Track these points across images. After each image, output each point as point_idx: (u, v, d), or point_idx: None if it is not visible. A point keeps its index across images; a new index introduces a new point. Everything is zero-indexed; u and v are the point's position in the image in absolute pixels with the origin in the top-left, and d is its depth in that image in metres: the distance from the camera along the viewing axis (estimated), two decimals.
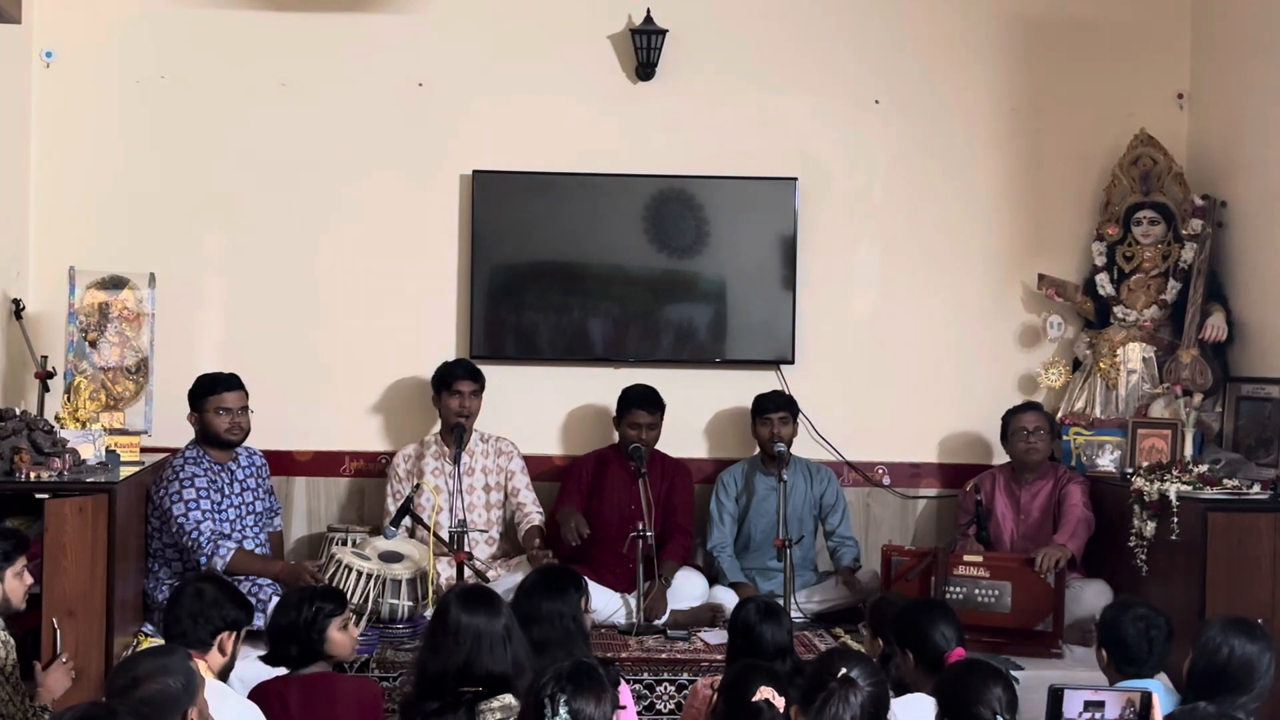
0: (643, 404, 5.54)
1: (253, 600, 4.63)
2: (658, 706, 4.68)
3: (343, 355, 5.83)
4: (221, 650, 3.60)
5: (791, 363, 5.88)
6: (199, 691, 3.00)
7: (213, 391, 5.07)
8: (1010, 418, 5.51)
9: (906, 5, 5.97)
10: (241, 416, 5.10)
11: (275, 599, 4.50)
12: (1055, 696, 3.02)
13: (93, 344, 5.22)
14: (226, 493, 5.07)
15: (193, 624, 3.57)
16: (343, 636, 3.93)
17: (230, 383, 5.10)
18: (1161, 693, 3.59)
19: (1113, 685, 3.77)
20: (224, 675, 3.65)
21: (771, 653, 3.69)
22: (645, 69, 5.84)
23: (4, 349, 5.40)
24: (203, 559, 4.84)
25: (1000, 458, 5.69)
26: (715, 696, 3.22)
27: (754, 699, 3.04)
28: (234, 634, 3.63)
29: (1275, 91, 5.38)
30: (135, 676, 2.93)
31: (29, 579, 3.87)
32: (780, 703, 3.04)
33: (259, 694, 3.71)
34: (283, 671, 3.85)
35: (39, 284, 5.63)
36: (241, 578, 4.81)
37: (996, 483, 5.54)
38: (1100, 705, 2.99)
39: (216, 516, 4.96)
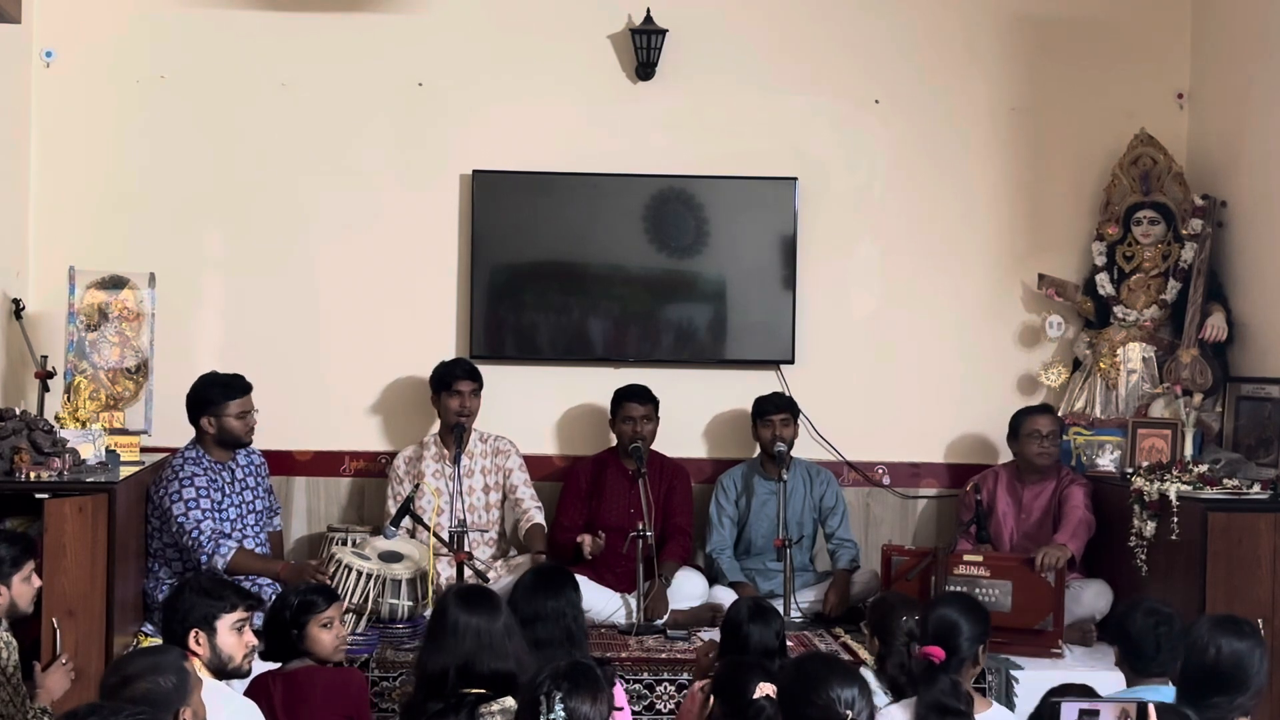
0: (634, 396, 5.55)
1: None
2: (658, 706, 4.68)
3: (343, 355, 5.84)
4: (194, 650, 3.49)
5: (791, 363, 5.88)
6: (193, 691, 2.99)
7: (233, 395, 5.04)
8: (1023, 419, 5.46)
9: (906, 5, 5.97)
10: (254, 419, 5.12)
11: (274, 598, 4.49)
12: (1052, 711, 3.01)
13: (93, 344, 5.22)
14: (227, 492, 5.07)
15: (178, 625, 3.53)
16: (325, 635, 3.89)
17: (248, 386, 5.10)
18: (1165, 693, 3.58)
19: (1129, 685, 3.75)
20: (222, 673, 3.61)
21: (758, 653, 3.68)
22: (645, 69, 5.84)
23: (4, 349, 5.40)
24: (203, 558, 4.83)
25: (1002, 456, 5.69)
26: (709, 698, 3.22)
27: (755, 696, 3.03)
28: (200, 631, 3.52)
29: (1275, 91, 5.38)
30: (126, 675, 2.92)
31: (37, 582, 3.86)
32: None
33: (251, 689, 3.71)
34: (273, 666, 3.86)
35: (39, 284, 5.63)
36: (242, 577, 4.82)
37: (999, 481, 5.53)
38: (1095, 715, 2.98)
39: (217, 516, 4.96)
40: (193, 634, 3.51)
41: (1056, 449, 5.45)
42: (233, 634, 3.55)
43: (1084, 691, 3.27)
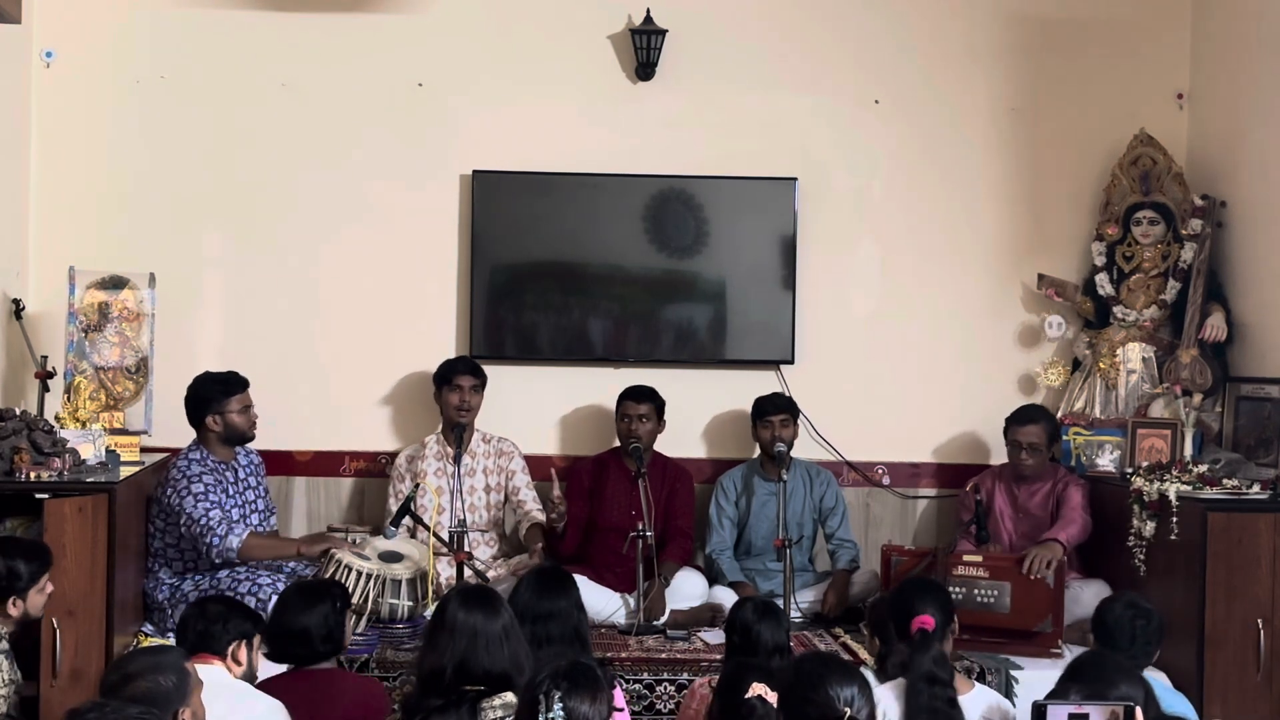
0: (633, 394, 5.55)
1: (253, 600, 4.63)
2: (658, 706, 4.68)
3: (343, 355, 5.84)
4: (235, 660, 3.59)
5: (791, 363, 5.88)
6: (193, 692, 3.00)
7: (234, 391, 5.05)
8: (1007, 427, 5.44)
9: (906, 5, 5.97)
10: (255, 413, 5.13)
11: (275, 598, 4.48)
12: (1039, 713, 3.02)
13: (93, 344, 5.22)
14: (230, 492, 5.05)
15: (220, 631, 3.61)
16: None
17: (245, 381, 5.11)
18: (1159, 688, 3.59)
19: None
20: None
21: (770, 651, 3.70)
22: (645, 69, 5.84)
23: (4, 349, 5.40)
24: (215, 540, 4.77)
25: (1000, 457, 5.68)
26: (713, 696, 3.23)
27: (746, 695, 3.04)
28: (244, 642, 3.62)
29: (1275, 91, 5.38)
30: (127, 674, 2.94)
31: (50, 588, 3.97)
32: (773, 698, 3.04)
33: (271, 690, 3.70)
34: (283, 668, 3.85)
35: (39, 284, 5.63)
36: (243, 578, 4.80)
37: (996, 482, 5.52)
38: (1084, 718, 2.99)
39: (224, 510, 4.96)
40: (239, 643, 3.60)
41: (1040, 460, 5.38)
42: (258, 653, 3.71)
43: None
